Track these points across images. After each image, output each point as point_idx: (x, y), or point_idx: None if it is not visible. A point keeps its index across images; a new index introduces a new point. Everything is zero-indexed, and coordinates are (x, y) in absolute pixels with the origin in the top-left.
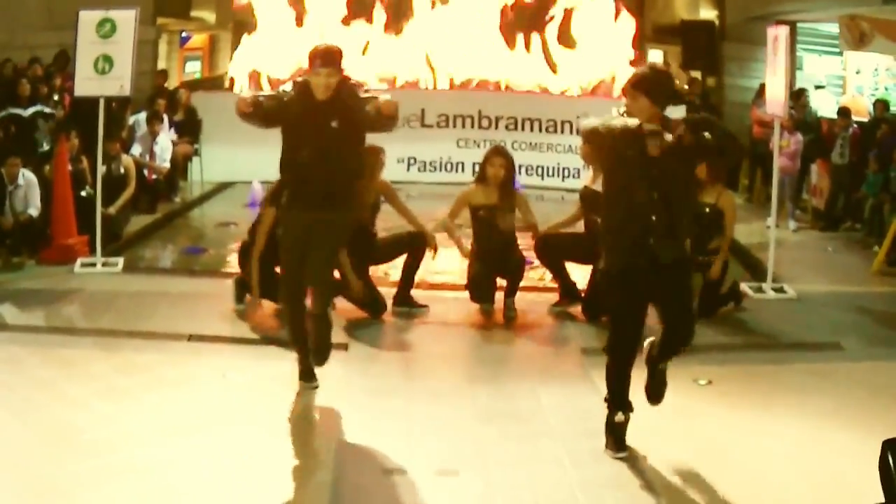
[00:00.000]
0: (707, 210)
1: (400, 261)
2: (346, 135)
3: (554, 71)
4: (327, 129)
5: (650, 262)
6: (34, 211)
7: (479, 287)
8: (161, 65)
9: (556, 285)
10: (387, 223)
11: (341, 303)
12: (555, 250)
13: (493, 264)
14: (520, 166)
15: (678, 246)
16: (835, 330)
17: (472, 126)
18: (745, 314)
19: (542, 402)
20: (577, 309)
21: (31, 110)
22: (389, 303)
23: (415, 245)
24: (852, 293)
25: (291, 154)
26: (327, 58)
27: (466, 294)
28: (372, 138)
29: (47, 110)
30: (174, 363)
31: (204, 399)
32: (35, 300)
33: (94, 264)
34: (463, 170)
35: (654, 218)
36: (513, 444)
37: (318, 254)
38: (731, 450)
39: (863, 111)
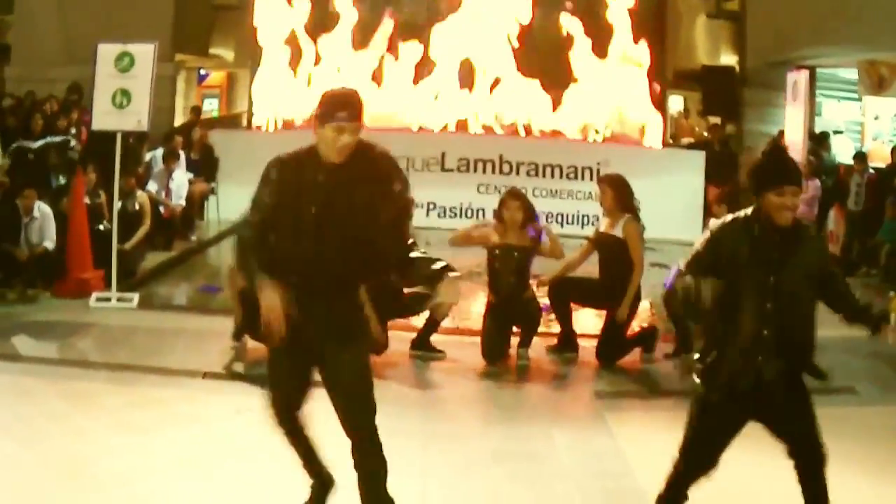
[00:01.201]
0: None
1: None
2: (372, 217)
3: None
4: (342, 211)
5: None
6: (49, 244)
7: (491, 346)
8: (179, 102)
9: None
10: None
11: None
12: (567, 293)
13: (507, 314)
14: (540, 213)
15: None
16: (849, 375)
17: (493, 171)
18: None
19: (556, 444)
20: (591, 353)
21: (39, 143)
22: (404, 346)
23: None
24: (867, 338)
25: (283, 250)
26: (352, 106)
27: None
28: None
29: (58, 139)
30: (188, 399)
31: (217, 435)
32: (50, 333)
33: (109, 299)
34: (483, 216)
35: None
36: (526, 484)
37: (352, 405)
38: (744, 495)
39: (885, 158)
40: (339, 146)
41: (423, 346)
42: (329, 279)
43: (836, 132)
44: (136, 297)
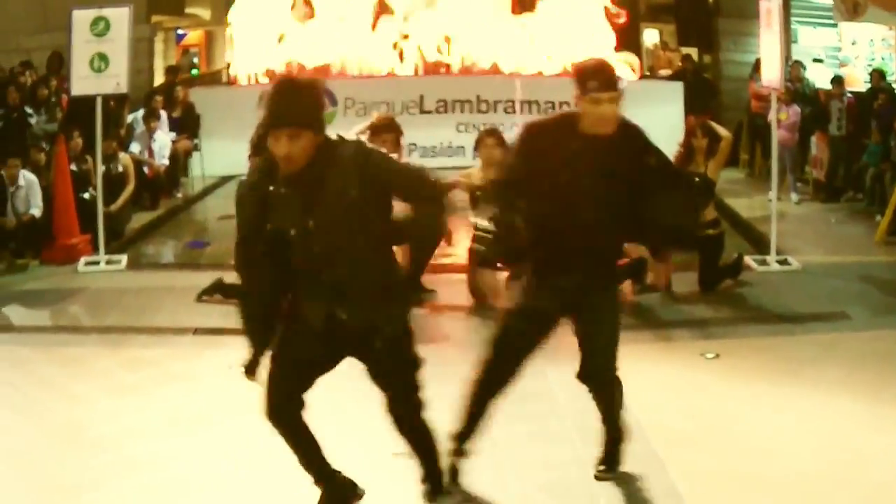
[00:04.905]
0: (697, 180)
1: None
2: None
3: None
4: (598, 180)
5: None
6: (36, 211)
7: (478, 283)
8: (158, 62)
9: None
10: None
11: None
12: None
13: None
14: None
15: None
16: (840, 300)
17: (471, 111)
18: (751, 287)
19: (551, 381)
20: None
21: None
22: None
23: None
24: (856, 263)
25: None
26: (602, 75)
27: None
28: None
29: (34, 118)
30: (180, 357)
31: (210, 392)
32: (40, 300)
33: (97, 262)
34: (463, 154)
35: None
36: (522, 424)
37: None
38: (740, 422)
39: (857, 82)
40: (596, 117)
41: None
42: (588, 245)
43: (815, 61)
44: (124, 258)
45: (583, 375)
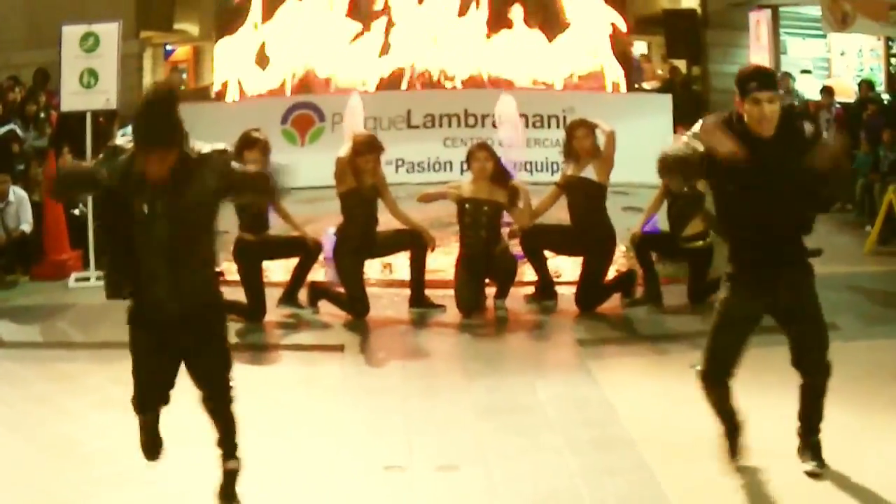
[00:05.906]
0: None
1: (394, 258)
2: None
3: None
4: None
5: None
6: (27, 227)
7: (467, 298)
8: (146, 78)
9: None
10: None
11: (326, 306)
12: (539, 242)
13: (480, 267)
14: (508, 162)
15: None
16: (830, 310)
17: (459, 125)
18: None
19: (540, 395)
20: (569, 301)
21: (2, 130)
22: (403, 304)
23: (416, 243)
24: (846, 273)
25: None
26: (761, 76)
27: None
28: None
29: (21, 133)
30: None
31: (200, 406)
32: (30, 316)
33: (88, 278)
34: (451, 169)
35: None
36: (512, 437)
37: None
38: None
39: (847, 92)
40: (757, 118)
41: (420, 304)
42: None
43: (803, 72)
44: None
45: (796, 363)
